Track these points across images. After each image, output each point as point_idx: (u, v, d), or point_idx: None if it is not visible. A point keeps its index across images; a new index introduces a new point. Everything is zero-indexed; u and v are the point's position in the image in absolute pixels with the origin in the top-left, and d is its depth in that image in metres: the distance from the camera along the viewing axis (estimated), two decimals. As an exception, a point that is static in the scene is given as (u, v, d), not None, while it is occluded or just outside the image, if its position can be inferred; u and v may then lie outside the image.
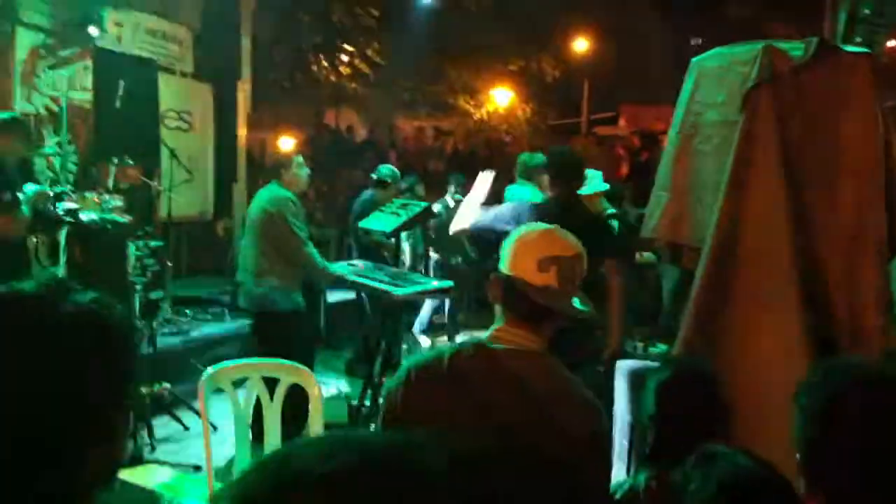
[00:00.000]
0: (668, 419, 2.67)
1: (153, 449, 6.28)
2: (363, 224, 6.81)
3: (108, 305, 1.28)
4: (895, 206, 4.10)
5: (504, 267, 2.36)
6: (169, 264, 7.91)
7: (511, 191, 7.05)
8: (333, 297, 9.63)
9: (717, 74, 4.33)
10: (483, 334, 2.40)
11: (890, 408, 1.58)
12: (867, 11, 8.04)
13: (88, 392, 1.22)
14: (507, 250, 2.37)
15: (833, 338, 3.87)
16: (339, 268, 6.68)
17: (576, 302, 2.34)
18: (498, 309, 2.39)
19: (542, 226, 2.43)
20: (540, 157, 7.18)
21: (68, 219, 5.91)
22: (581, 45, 19.50)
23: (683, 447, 2.15)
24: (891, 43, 13.90)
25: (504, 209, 5.26)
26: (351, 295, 8.84)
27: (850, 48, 4.49)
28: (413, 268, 8.51)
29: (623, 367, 4.65)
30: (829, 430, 1.60)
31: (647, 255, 8.67)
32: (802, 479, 1.65)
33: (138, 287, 6.43)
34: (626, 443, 4.42)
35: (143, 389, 6.35)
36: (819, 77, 4.03)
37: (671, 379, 2.73)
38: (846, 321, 3.92)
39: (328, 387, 7.99)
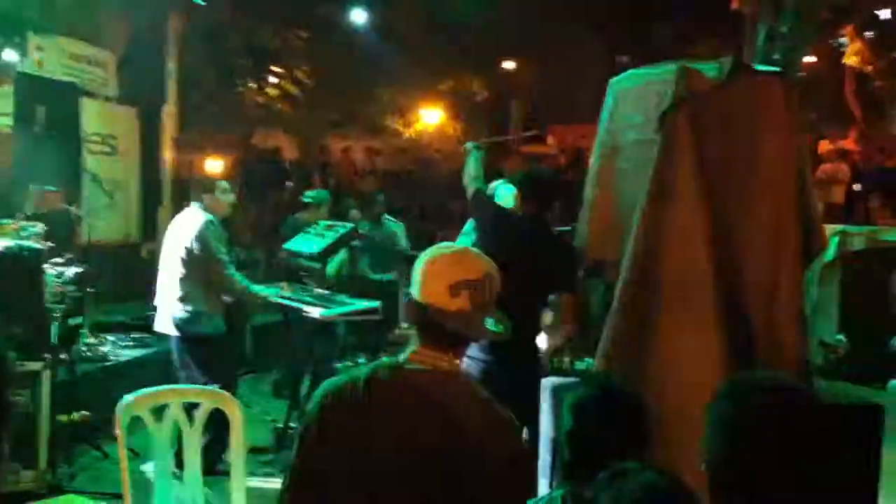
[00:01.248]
0: (582, 436, 2.67)
1: (73, 478, 6.13)
2: (288, 246, 6.76)
3: None
4: (808, 221, 4.19)
5: (416, 291, 2.34)
6: (90, 290, 7.74)
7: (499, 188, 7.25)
8: (259, 319, 9.53)
9: (634, 95, 4.39)
10: (400, 356, 2.37)
11: (792, 419, 1.60)
12: (784, 29, 8.23)
13: None
14: (417, 274, 2.35)
15: (752, 354, 3.92)
16: (265, 290, 6.61)
17: (489, 323, 2.33)
18: (413, 332, 2.37)
19: (450, 248, 2.42)
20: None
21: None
22: (510, 64, 19.68)
23: (597, 464, 2.16)
24: (809, 59, 14.24)
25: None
26: (277, 317, 8.76)
27: (764, 68, 4.58)
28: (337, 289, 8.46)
29: (546, 383, 4.66)
30: (733, 439, 1.61)
31: None
32: (709, 487, 1.66)
33: (56, 314, 6.28)
34: (548, 458, 4.42)
35: (62, 417, 6.20)
36: (735, 96, 4.10)
37: (586, 396, 2.74)
38: (765, 337, 3.98)
39: (254, 410, 7.89)
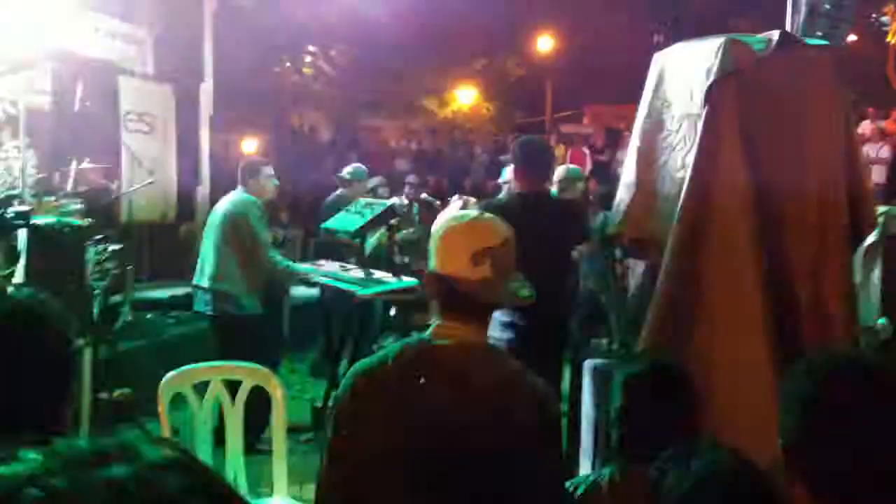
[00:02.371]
0: (636, 414, 2.63)
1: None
2: (326, 224, 6.75)
3: (42, 302, 1.22)
4: (856, 197, 4.12)
5: (435, 265, 2.29)
6: (130, 268, 7.78)
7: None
8: (298, 298, 9.55)
9: (680, 69, 4.32)
10: (424, 333, 2.34)
11: (873, 395, 1.56)
12: (828, 6, 8.08)
13: (23, 388, 1.16)
14: (435, 248, 2.31)
15: (798, 327, 3.87)
16: (305, 268, 6.61)
17: (514, 287, 2.29)
18: (435, 306, 2.33)
19: (465, 216, 2.37)
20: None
21: (19, 222, 5.79)
22: (544, 44, 19.55)
23: (651, 442, 2.12)
24: (851, 37, 14.03)
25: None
26: (315, 296, 8.77)
27: (812, 41, 4.49)
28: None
29: (589, 364, 4.62)
30: (813, 416, 1.57)
31: None
32: (785, 467, 1.63)
33: (98, 291, 6.31)
34: (590, 439, 4.40)
35: (104, 395, 6.24)
36: (782, 70, 4.04)
37: (641, 373, 2.70)
38: (811, 311, 3.93)
39: (292, 389, 7.91)
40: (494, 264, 2.23)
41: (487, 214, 2.38)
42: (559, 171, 8.02)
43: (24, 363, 1.19)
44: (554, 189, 7.75)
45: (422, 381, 2.22)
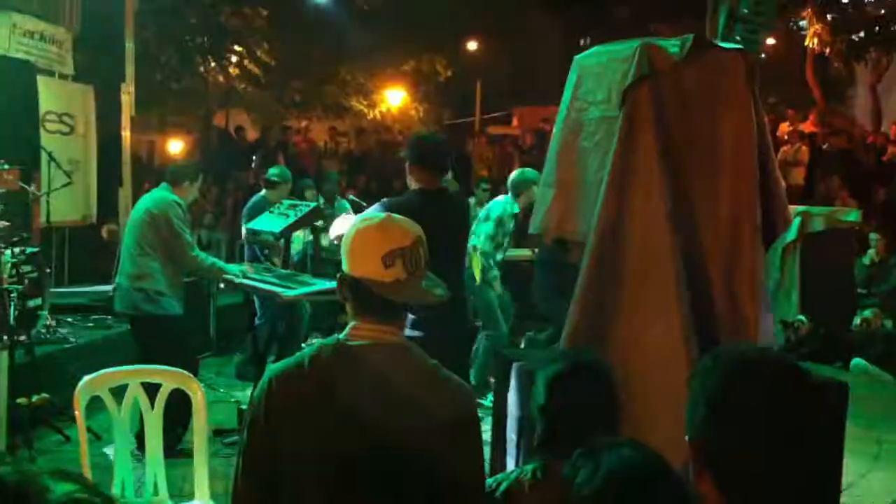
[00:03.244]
0: (558, 411, 2.65)
1: (32, 461, 6.04)
2: (250, 225, 6.70)
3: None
4: (768, 199, 4.22)
5: (347, 267, 2.29)
6: (48, 271, 7.63)
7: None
8: (222, 301, 9.47)
9: (597, 72, 4.38)
10: (340, 334, 2.33)
11: (780, 393, 1.60)
12: (745, 10, 8.28)
13: None
14: (346, 249, 2.30)
15: (713, 328, 3.96)
16: (232, 267, 6.55)
17: (427, 286, 2.30)
18: (350, 308, 2.33)
19: (374, 218, 2.36)
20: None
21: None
22: (473, 45, 19.65)
23: (573, 439, 2.15)
24: (770, 41, 14.34)
25: (374, 210, 5.13)
26: (240, 299, 8.71)
27: (726, 45, 4.60)
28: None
29: (515, 364, 4.66)
30: (719, 413, 1.61)
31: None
32: (693, 461, 1.66)
33: (14, 295, 6.19)
34: (514, 437, 4.43)
35: (22, 400, 6.12)
36: (696, 74, 4.12)
37: (563, 371, 2.72)
38: (726, 312, 4.02)
39: (217, 391, 7.84)
40: (406, 264, 2.23)
41: (397, 215, 2.37)
42: (514, 175, 8.15)
43: None
44: (509, 194, 7.91)
45: (338, 382, 2.22)
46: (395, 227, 2.30)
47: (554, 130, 4.76)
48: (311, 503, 2.21)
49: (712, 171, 4.04)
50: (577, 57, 4.65)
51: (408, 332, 4.46)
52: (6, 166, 7.50)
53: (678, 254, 3.90)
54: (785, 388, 1.61)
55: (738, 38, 8.74)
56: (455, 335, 4.78)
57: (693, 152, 4.04)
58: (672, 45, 4.12)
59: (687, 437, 1.67)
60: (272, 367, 2.35)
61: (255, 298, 7.60)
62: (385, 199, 4.85)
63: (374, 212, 4.45)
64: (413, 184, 4.86)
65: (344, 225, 5.14)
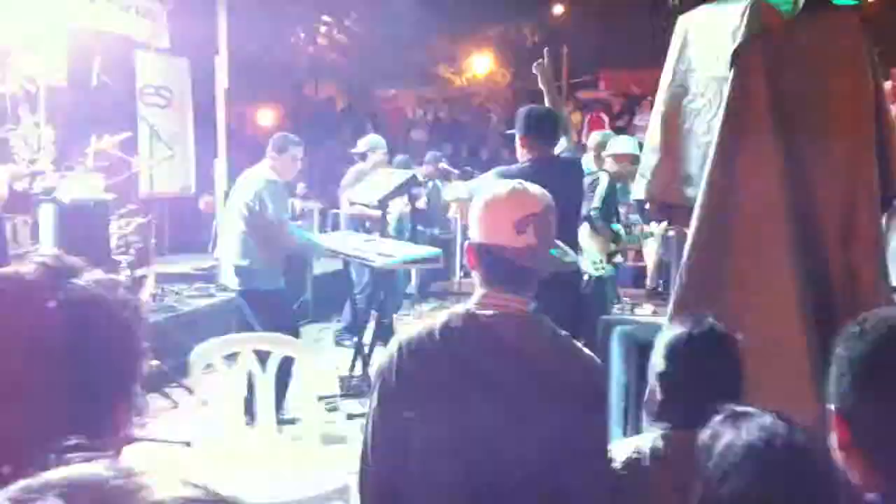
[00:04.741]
0: (681, 378, 2.57)
1: (143, 427, 6.21)
2: (350, 196, 6.75)
3: (112, 285, 1.21)
4: (886, 162, 4.08)
5: (476, 234, 2.29)
6: (153, 241, 7.82)
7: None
8: (320, 269, 9.57)
9: (704, 31, 4.27)
10: (466, 304, 2.32)
11: None
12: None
13: (96, 379, 1.16)
14: (475, 216, 2.30)
15: (829, 295, 3.85)
16: (325, 242, 6.62)
17: (557, 254, 2.29)
18: (476, 277, 2.32)
19: (506, 185, 2.35)
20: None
21: (46, 197, 5.82)
22: (560, 9, 19.39)
23: (696, 409, 2.10)
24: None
25: (487, 178, 5.15)
26: (338, 267, 8.80)
27: (840, 1, 4.43)
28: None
29: (618, 330, 4.62)
30: (867, 380, 1.54)
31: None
32: (837, 433, 1.59)
33: (123, 265, 6.35)
34: (622, 405, 4.40)
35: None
36: (809, 32, 3.99)
37: (687, 336, 2.62)
38: (842, 278, 3.90)
39: (316, 358, 7.95)
40: (538, 231, 2.22)
41: (527, 183, 2.36)
42: (594, 137, 8.02)
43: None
44: (590, 154, 7.77)
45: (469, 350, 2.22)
46: (526, 193, 2.29)
47: (658, 93, 4.66)
48: (439, 470, 2.21)
49: (827, 133, 3.91)
50: (681, 17, 4.53)
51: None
52: (109, 140, 7.68)
53: (792, 218, 3.80)
54: None
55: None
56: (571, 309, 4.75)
57: (806, 112, 3.91)
58: (784, 2, 3.99)
59: (832, 407, 1.61)
60: (401, 334, 2.36)
61: (352, 269, 7.68)
62: (498, 168, 4.87)
63: (491, 181, 4.48)
64: (524, 155, 4.92)
65: (457, 190, 5.18)
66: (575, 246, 5.00)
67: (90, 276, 1.19)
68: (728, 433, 1.88)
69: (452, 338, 2.24)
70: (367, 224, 7.46)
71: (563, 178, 4.91)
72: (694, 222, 3.93)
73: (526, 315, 2.29)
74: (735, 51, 3.90)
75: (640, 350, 4.22)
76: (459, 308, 2.32)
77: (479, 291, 2.31)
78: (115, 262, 6.26)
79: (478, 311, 2.26)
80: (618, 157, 7.37)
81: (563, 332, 2.34)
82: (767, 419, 1.89)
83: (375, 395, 2.32)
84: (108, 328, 1.18)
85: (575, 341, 2.35)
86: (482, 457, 2.18)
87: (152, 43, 10.77)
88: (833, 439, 1.59)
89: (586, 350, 2.35)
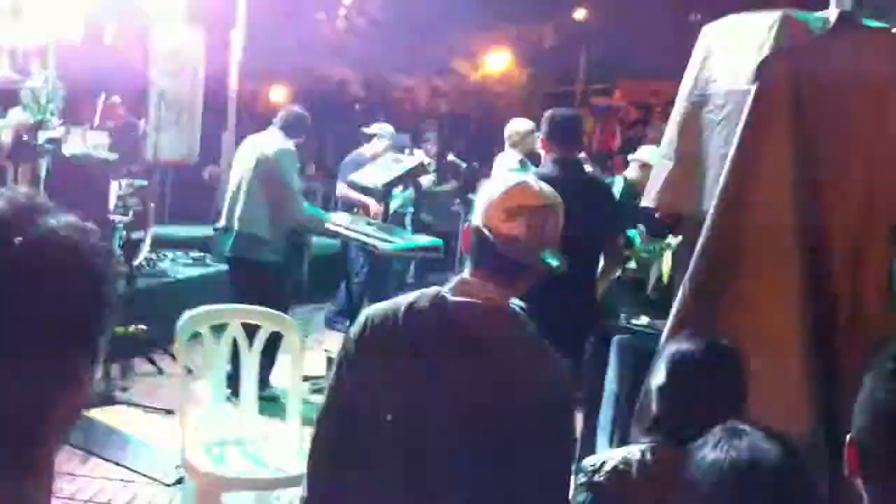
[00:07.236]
0: (681, 393, 2.52)
1: (125, 390, 6.16)
2: (353, 178, 6.68)
3: (84, 230, 1.13)
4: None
5: (476, 217, 2.28)
6: (152, 205, 7.75)
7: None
8: (317, 250, 9.52)
9: (729, 42, 4.19)
10: (443, 287, 2.29)
11: None
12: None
13: (58, 326, 1.09)
14: (478, 200, 2.30)
15: (833, 320, 3.78)
16: (329, 216, 6.53)
17: (546, 255, 2.22)
18: (467, 259, 2.31)
19: (516, 177, 2.37)
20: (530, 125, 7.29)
21: (49, 148, 5.75)
22: (580, 14, 19.31)
23: (692, 424, 2.05)
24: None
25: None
26: (333, 249, 8.74)
27: (870, 22, 4.36)
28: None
29: (617, 339, 4.56)
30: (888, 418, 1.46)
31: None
32: (849, 461, 1.52)
33: (119, 225, 6.28)
34: (611, 413, 4.34)
35: (119, 329, 6.22)
36: (835, 50, 3.91)
37: (692, 351, 2.58)
38: (848, 304, 3.83)
39: (307, 339, 7.90)
40: (528, 224, 2.19)
41: (538, 180, 2.34)
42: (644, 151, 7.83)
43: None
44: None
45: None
46: (530, 187, 2.27)
47: (677, 101, 4.58)
48: (383, 449, 2.19)
49: (846, 154, 3.83)
50: (706, 27, 4.46)
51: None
52: (118, 100, 7.62)
53: (802, 239, 3.72)
54: None
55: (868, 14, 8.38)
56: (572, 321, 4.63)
57: (827, 133, 3.83)
58: (814, 19, 3.92)
59: (852, 437, 1.53)
60: (372, 308, 2.35)
61: (351, 249, 7.60)
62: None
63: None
64: (545, 157, 4.99)
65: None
66: (590, 257, 4.87)
67: (64, 219, 1.11)
68: (716, 451, 1.84)
69: (412, 318, 2.21)
70: (356, 210, 7.38)
71: (586, 185, 4.92)
72: (703, 236, 3.86)
73: (499, 307, 2.24)
74: (759, 65, 3.83)
75: (636, 360, 4.17)
76: (433, 290, 2.28)
77: (460, 276, 2.29)
78: (111, 221, 6.18)
79: (448, 296, 2.23)
80: (644, 166, 7.23)
81: (535, 333, 2.27)
82: (758, 439, 1.84)
83: (336, 359, 2.35)
84: (75, 271, 1.10)
85: (545, 343, 2.27)
86: (423, 444, 2.16)
87: (168, 10, 10.72)
88: (845, 464, 1.52)
89: (556, 354, 2.27)
